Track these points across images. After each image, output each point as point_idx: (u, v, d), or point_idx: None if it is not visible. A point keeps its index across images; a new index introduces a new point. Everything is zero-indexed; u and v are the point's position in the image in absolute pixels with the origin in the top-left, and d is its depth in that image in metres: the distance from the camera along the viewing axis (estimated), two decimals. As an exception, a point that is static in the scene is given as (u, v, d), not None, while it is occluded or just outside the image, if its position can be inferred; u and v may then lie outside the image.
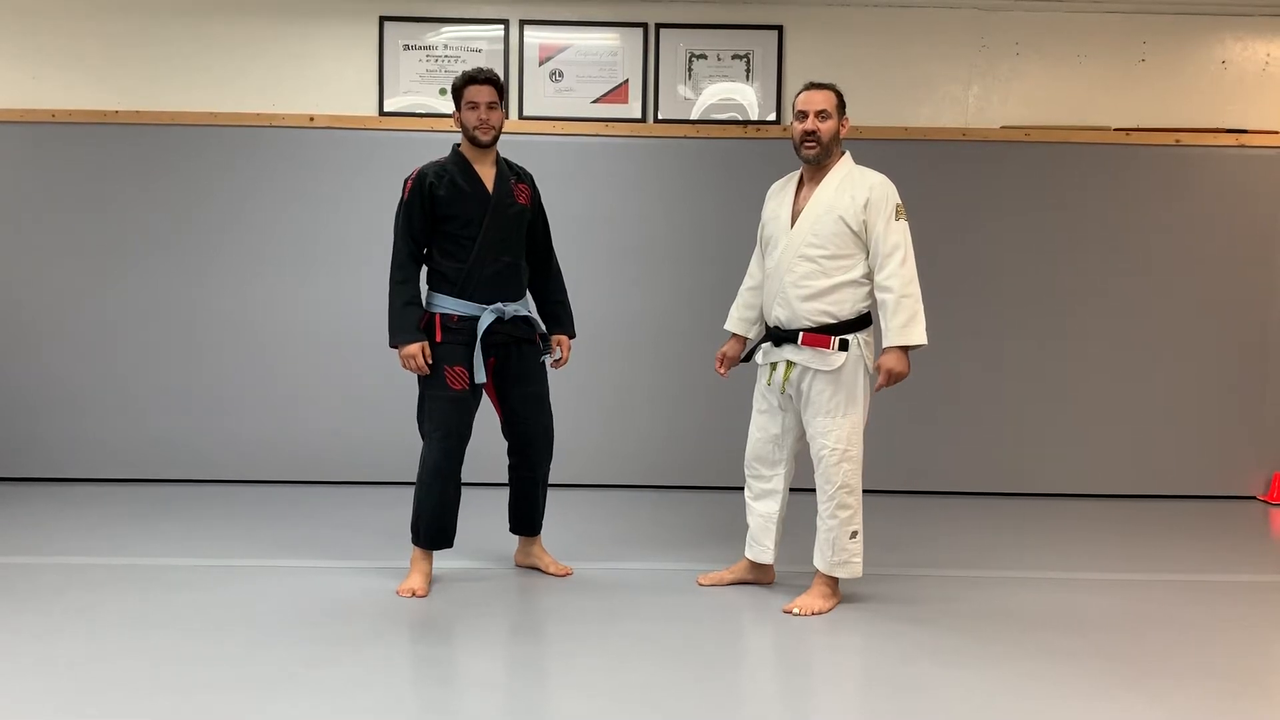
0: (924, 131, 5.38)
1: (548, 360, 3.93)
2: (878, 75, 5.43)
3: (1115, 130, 5.41)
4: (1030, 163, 5.39)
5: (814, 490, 3.67)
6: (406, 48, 5.38)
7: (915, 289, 3.54)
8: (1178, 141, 5.40)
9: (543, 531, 4.06)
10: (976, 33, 5.44)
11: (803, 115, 3.59)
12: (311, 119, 5.33)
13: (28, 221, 5.31)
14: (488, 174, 3.80)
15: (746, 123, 5.42)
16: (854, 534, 3.62)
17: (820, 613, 3.60)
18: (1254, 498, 5.48)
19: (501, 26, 5.38)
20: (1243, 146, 5.40)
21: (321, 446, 5.39)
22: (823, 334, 3.56)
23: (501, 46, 5.38)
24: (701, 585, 3.87)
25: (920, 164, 5.35)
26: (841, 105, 3.63)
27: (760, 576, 3.89)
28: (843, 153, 3.67)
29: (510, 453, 3.97)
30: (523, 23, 5.39)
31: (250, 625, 3.41)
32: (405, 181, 3.79)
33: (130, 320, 5.34)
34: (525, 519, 4.02)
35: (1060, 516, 5.08)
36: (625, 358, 5.40)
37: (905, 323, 3.50)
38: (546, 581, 3.94)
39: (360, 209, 5.31)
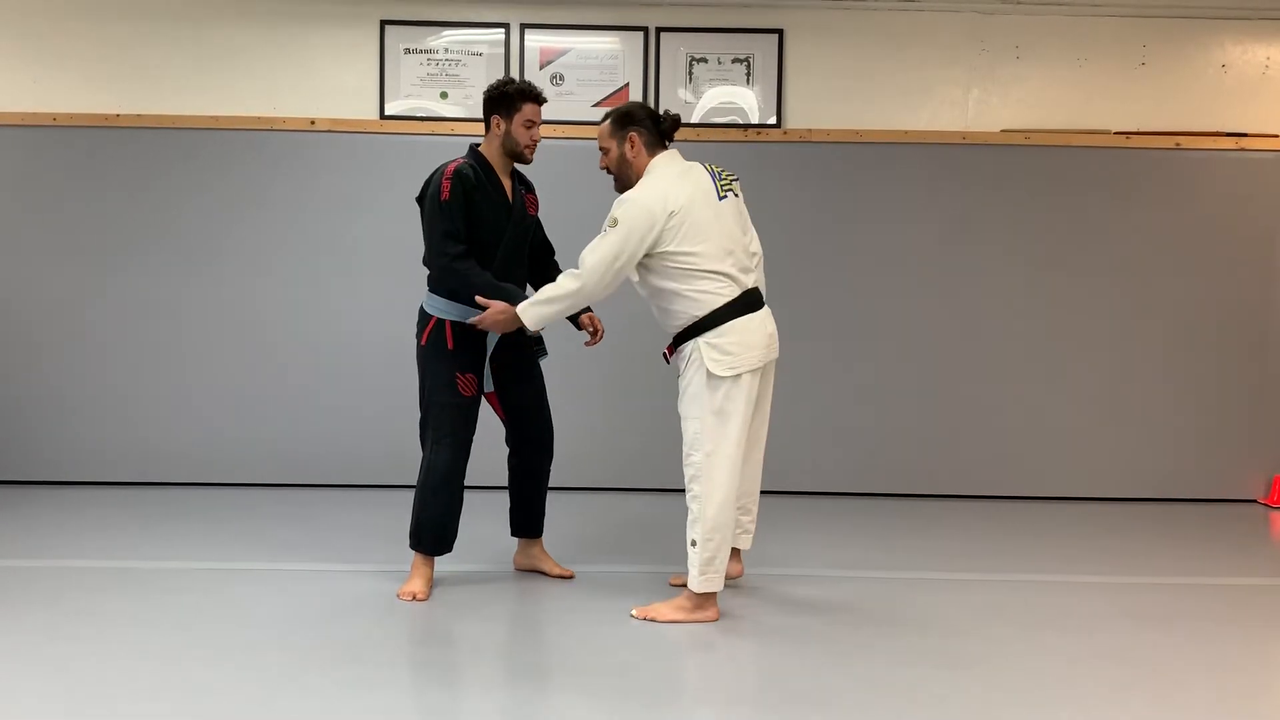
0: (923, 135, 5.39)
1: (584, 342, 3.93)
2: (877, 78, 5.44)
3: (1115, 133, 5.41)
4: (1030, 166, 5.39)
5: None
6: (407, 51, 5.38)
7: (572, 286, 3.48)
8: (1177, 145, 5.40)
9: (549, 535, 4.06)
10: (976, 36, 5.45)
11: None
12: (312, 122, 5.33)
13: (28, 225, 5.31)
14: (507, 184, 3.81)
15: (747, 126, 5.43)
16: (693, 542, 3.48)
17: (659, 620, 3.53)
18: (1254, 501, 5.48)
19: (502, 30, 5.39)
20: (1242, 150, 5.40)
21: (322, 450, 5.39)
22: (671, 343, 3.63)
23: (502, 50, 5.39)
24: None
25: (920, 167, 5.36)
26: (619, 126, 3.60)
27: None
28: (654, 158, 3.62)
29: (512, 454, 3.98)
30: (523, 26, 5.40)
31: (250, 628, 3.41)
32: (441, 179, 3.66)
33: (130, 324, 5.34)
34: (528, 520, 4.01)
35: (1060, 520, 5.08)
36: (626, 360, 5.40)
37: (536, 300, 3.53)
38: (548, 584, 3.94)
39: (361, 213, 5.31)
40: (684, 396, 3.58)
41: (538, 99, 3.75)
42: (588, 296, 3.52)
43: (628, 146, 3.59)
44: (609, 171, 3.68)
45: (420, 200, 3.79)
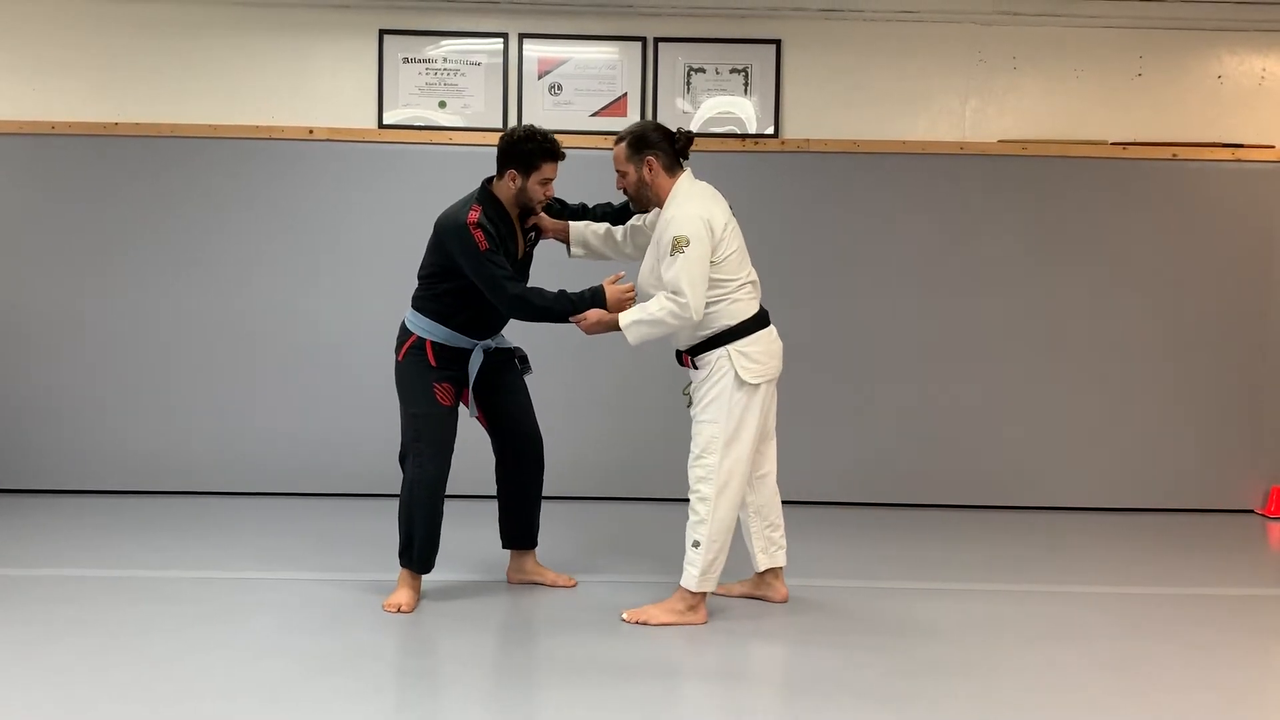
0: (921, 145, 5.40)
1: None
2: (875, 89, 5.45)
3: (1112, 144, 5.43)
4: (1027, 176, 5.40)
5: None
6: (406, 61, 5.39)
7: (681, 312, 3.47)
8: (1174, 156, 5.41)
9: (539, 546, 4.04)
10: (973, 47, 5.46)
11: None
12: (311, 131, 5.34)
13: (27, 233, 5.31)
14: (517, 224, 3.77)
15: (745, 136, 5.44)
16: (695, 544, 3.59)
17: (650, 623, 3.58)
18: (1251, 511, 5.48)
19: (501, 40, 5.40)
20: (1239, 160, 5.41)
21: (318, 459, 5.37)
22: (686, 353, 3.67)
23: (501, 60, 5.40)
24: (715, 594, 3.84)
25: (917, 177, 5.37)
26: (636, 150, 3.61)
27: (762, 590, 3.87)
28: (677, 180, 3.64)
29: (499, 465, 3.97)
30: (522, 36, 5.41)
31: (243, 637, 3.40)
32: (469, 229, 3.57)
33: (127, 332, 5.33)
34: (520, 531, 3.99)
35: (1057, 530, 5.07)
36: (625, 368, 5.40)
37: (641, 319, 3.52)
38: (540, 592, 3.93)
39: (359, 221, 5.32)
40: (703, 402, 3.61)
41: (557, 157, 3.66)
42: (694, 314, 3.48)
43: (645, 170, 3.62)
44: (627, 194, 3.72)
45: (442, 229, 3.68)
